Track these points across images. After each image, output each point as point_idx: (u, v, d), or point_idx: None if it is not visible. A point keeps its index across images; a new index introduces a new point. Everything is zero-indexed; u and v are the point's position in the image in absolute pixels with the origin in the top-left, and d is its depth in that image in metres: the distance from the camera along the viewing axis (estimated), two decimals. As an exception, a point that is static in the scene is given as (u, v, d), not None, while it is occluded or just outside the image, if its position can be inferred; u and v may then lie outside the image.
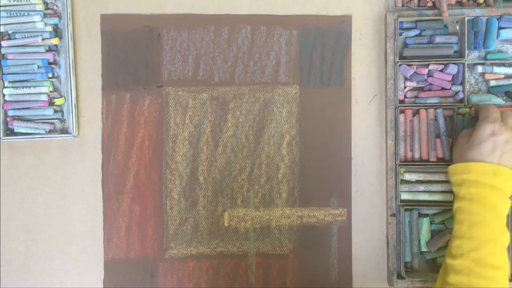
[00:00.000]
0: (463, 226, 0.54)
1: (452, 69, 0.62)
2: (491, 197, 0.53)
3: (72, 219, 0.65)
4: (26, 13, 0.62)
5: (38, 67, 0.63)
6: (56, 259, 0.65)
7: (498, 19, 0.62)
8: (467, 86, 0.63)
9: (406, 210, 0.64)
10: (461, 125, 0.63)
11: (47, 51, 0.63)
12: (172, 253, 0.65)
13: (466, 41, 0.62)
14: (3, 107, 0.63)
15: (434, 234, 0.64)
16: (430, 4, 0.63)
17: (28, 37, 0.63)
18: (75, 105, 0.64)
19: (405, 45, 0.64)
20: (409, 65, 0.63)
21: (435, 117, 0.63)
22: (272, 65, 0.65)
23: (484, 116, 0.57)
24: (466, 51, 0.62)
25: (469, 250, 0.53)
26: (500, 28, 0.63)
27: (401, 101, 0.64)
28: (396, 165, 0.63)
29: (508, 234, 0.54)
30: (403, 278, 0.62)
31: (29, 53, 0.63)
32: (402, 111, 0.64)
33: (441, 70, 0.63)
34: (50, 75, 0.64)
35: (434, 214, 0.64)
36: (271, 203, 0.65)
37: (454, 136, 0.63)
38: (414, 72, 0.63)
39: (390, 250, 0.63)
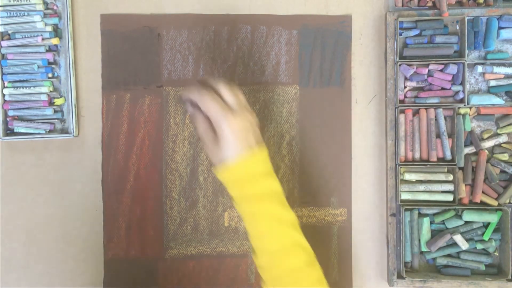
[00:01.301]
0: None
1: (452, 69, 0.62)
2: (252, 191, 0.51)
3: (72, 219, 0.65)
4: (26, 13, 0.62)
5: (38, 67, 0.63)
6: (56, 259, 0.65)
7: (498, 19, 0.62)
8: (467, 86, 0.63)
9: (406, 210, 0.64)
10: (461, 125, 0.63)
11: (47, 51, 0.63)
12: (172, 253, 0.65)
13: (466, 41, 0.62)
14: (3, 107, 0.63)
15: (434, 234, 0.64)
16: (430, 4, 0.63)
17: (28, 37, 0.62)
18: (75, 105, 0.64)
19: (405, 45, 0.64)
20: (409, 65, 0.63)
21: (435, 117, 0.63)
22: (272, 65, 0.65)
23: (213, 115, 0.50)
24: (466, 51, 0.62)
25: (258, 246, 0.52)
26: (500, 28, 0.63)
27: (401, 101, 0.64)
28: (396, 165, 0.63)
29: (286, 212, 0.52)
30: (403, 278, 0.62)
31: (29, 53, 0.63)
32: (402, 111, 0.64)
33: (441, 70, 0.63)
34: (50, 75, 0.64)
35: (434, 214, 0.64)
36: (271, 203, 0.65)
37: (454, 136, 0.63)
38: (414, 72, 0.63)
39: (390, 250, 0.63)
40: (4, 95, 0.63)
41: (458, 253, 0.64)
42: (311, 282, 0.51)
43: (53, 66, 0.64)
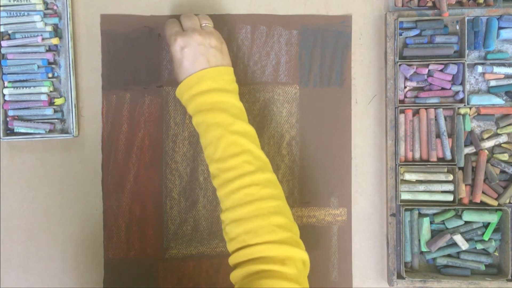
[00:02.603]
0: (201, 139, 0.55)
1: (452, 69, 0.62)
2: (204, 103, 0.53)
3: (72, 219, 0.65)
4: (26, 13, 0.62)
5: (38, 67, 0.63)
6: (56, 259, 0.65)
7: (498, 19, 0.62)
8: (467, 86, 0.63)
9: (406, 210, 0.64)
10: (461, 125, 0.63)
11: (47, 51, 0.63)
12: (172, 253, 0.65)
13: (466, 41, 0.62)
14: (3, 107, 0.63)
15: (434, 234, 0.64)
16: (430, 4, 0.63)
17: (28, 37, 0.62)
18: (75, 105, 0.64)
19: (405, 45, 0.64)
20: (409, 65, 0.63)
21: (435, 117, 0.63)
22: (272, 65, 0.65)
23: (168, 39, 0.57)
24: (466, 51, 0.62)
25: (209, 156, 0.53)
26: (500, 28, 0.63)
27: (401, 101, 0.64)
28: (396, 165, 0.63)
29: (239, 122, 0.53)
30: (403, 278, 0.62)
31: (29, 53, 0.63)
32: (402, 111, 0.64)
33: (441, 70, 0.63)
34: (50, 75, 0.64)
35: (434, 214, 0.64)
36: (271, 203, 0.65)
37: (454, 136, 0.63)
38: (414, 72, 0.63)
39: (390, 250, 0.63)
40: (4, 95, 0.63)
41: (458, 253, 0.64)
42: (260, 186, 0.51)
43: (53, 66, 0.64)
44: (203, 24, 0.57)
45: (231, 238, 0.51)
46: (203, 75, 0.54)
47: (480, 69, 0.63)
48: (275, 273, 0.48)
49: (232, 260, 0.51)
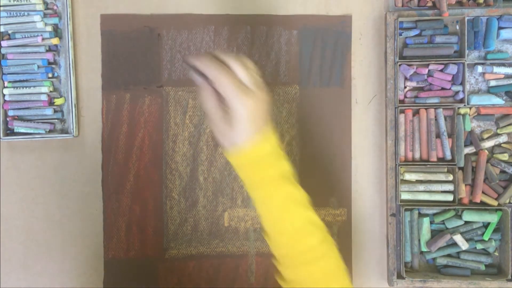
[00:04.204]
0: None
1: (452, 69, 0.62)
2: (255, 174, 0.49)
3: (72, 219, 0.65)
4: (26, 13, 0.62)
5: (38, 67, 0.63)
6: (56, 259, 0.65)
7: (498, 19, 0.62)
8: (467, 86, 0.63)
9: (406, 210, 0.64)
10: (461, 125, 0.63)
11: (47, 51, 0.63)
12: (172, 253, 0.65)
13: (466, 41, 0.62)
14: (3, 107, 0.63)
15: (434, 234, 0.64)
16: (430, 4, 0.63)
17: (28, 37, 0.62)
18: (75, 105, 0.64)
19: (405, 45, 0.64)
20: (409, 65, 0.63)
21: (435, 117, 0.63)
22: (272, 65, 0.65)
23: (226, 92, 0.46)
24: (466, 51, 0.62)
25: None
26: (500, 28, 0.63)
27: (401, 101, 0.64)
28: (396, 165, 0.63)
29: (289, 184, 0.50)
30: (403, 278, 0.62)
31: (29, 53, 0.63)
32: (402, 111, 0.64)
33: (441, 70, 0.63)
34: (50, 75, 0.64)
35: (434, 214, 0.64)
36: (271, 203, 0.65)
37: (454, 136, 0.63)
38: (414, 72, 0.63)
39: (390, 250, 0.63)
40: (4, 95, 0.63)
41: (458, 253, 0.64)
42: (326, 260, 0.51)
43: (53, 66, 0.64)
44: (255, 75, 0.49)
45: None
46: (264, 141, 0.48)
47: (480, 69, 0.63)
48: None
49: None
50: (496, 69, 0.62)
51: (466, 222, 0.63)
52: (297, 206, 0.50)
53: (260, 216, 0.51)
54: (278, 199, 0.50)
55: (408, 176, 0.63)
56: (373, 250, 0.65)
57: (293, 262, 0.51)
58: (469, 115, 0.64)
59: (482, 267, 0.63)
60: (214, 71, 0.46)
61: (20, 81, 0.63)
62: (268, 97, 0.49)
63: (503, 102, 0.63)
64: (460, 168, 0.64)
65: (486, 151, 0.63)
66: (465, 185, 0.63)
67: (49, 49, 0.63)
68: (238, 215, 0.65)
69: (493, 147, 0.64)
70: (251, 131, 0.47)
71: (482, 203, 0.63)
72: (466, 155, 0.64)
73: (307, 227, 0.51)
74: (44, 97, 0.63)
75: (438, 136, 0.64)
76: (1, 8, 0.62)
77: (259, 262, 0.65)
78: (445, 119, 0.64)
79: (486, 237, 0.63)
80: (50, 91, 0.63)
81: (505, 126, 0.64)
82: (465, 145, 0.64)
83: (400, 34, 0.64)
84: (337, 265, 0.51)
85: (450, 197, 0.62)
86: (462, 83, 0.62)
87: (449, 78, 0.63)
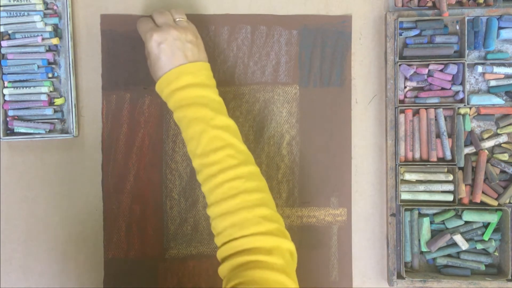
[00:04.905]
0: (183, 133, 0.55)
1: (452, 69, 0.62)
2: (185, 98, 0.53)
3: (72, 219, 0.65)
4: (26, 13, 0.62)
5: (38, 67, 0.63)
6: (56, 259, 0.65)
7: (498, 19, 0.62)
8: (467, 86, 0.63)
9: (406, 210, 0.64)
10: (461, 125, 0.63)
11: (47, 51, 0.63)
12: (172, 253, 0.65)
13: (466, 41, 0.62)
14: (3, 107, 0.63)
15: (434, 234, 0.64)
16: (430, 4, 0.63)
17: (28, 37, 0.62)
18: (75, 105, 0.63)
19: (405, 45, 0.64)
20: (409, 65, 0.63)
21: (435, 117, 0.63)
22: (272, 65, 0.65)
23: (143, 36, 0.57)
24: (466, 51, 0.62)
25: (192, 151, 0.53)
26: (500, 28, 0.63)
27: (401, 101, 0.64)
28: (396, 165, 0.63)
29: (220, 117, 0.53)
30: (403, 278, 0.62)
31: (29, 53, 0.63)
32: (402, 111, 0.64)
33: (441, 70, 0.63)
34: (50, 75, 0.64)
35: (434, 214, 0.64)
36: (271, 203, 0.65)
37: (454, 136, 0.63)
38: (414, 72, 0.63)
39: (390, 250, 0.63)
40: (4, 95, 0.63)
41: (458, 253, 0.64)
42: (244, 179, 0.51)
43: (53, 66, 0.64)
44: (177, 19, 0.57)
45: (218, 233, 0.51)
46: (182, 70, 0.54)
47: (480, 69, 0.63)
48: (262, 264, 0.47)
49: (220, 254, 0.51)
50: (496, 69, 0.62)
51: (466, 222, 0.63)
52: (214, 129, 0.52)
53: (185, 143, 0.55)
54: (193, 121, 0.53)
55: (408, 176, 0.63)
56: (373, 250, 0.65)
57: (208, 183, 0.52)
58: (469, 115, 0.64)
59: (482, 267, 0.63)
60: (137, 23, 0.58)
61: (20, 81, 0.63)
62: (187, 34, 0.55)
63: (503, 102, 0.63)
64: (460, 168, 0.64)
65: (486, 151, 0.63)
66: (465, 185, 0.63)
67: (49, 49, 0.63)
68: (238, 215, 0.65)
69: (493, 147, 0.64)
70: (166, 62, 0.54)
71: (482, 203, 0.63)
72: (466, 155, 0.64)
73: (224, 149, 0.52)
74: (44, 97, 0.63)
75: (438, 136, 0.64)
76: (1, 8, 0.62)
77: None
78: (445, 119, 0.64)
79: (486, 237, 0.63)
80: (50, 91, 0.63)
81: (505, 126, 0.64)
82: (465, 145, 0.64)
83: (400, 34, 0.64)
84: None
85: (450, 197, 0.62)
86: (462, 83, 0.62)
87: (449, 78, 0.63)
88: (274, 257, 0.48)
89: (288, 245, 0.50)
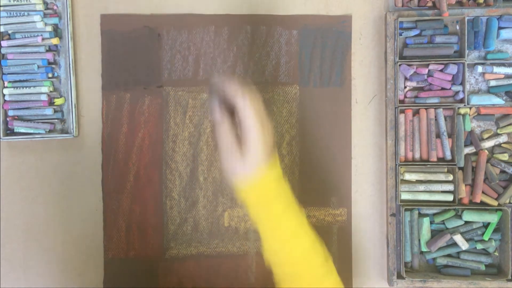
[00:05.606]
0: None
1: (452, 69, 0.62)
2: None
3: (72, 219, 0.65)
4: (26, 13, 0.62)
5: (38, 67, 0.63)
6: (56, 259, 0.65)
7: (498, 19, 0.62)
8: (467, 86, 0.63)
9: (406, 210, 0.64)
10: (461, 125, 0.63)
11: (47, 51, 0.63)
12: (172, 253, 0.65)
13: (466, 41, 0.62)
14: (3, 107, 0.63)
15: (434, 234, 0.64)
16: (430, 4, 0.63)
17: (28, 37, 0.63)
18: (75, 105, 0.64)
19: (405, 45, 0.64)
20: (409, 65, 0.63)
21: (435, 117, 0.63)
22: (272, 65, 0.65)
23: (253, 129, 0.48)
24: (466, 51, 0.62)
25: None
26: (500, 28, 0.63)
27: (401, 101, 0.64)
28: (396, 165, 0.63)
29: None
30: (403, 278, 0.62)
31: (29, 53, 0.63)
32: (402, 111, 0.64)
33: (441, 70, 0.63)
34: (50, 75, 0.64)
35: (434, 214, 0.64)
36: (271, 203, 0.65)
37: (454, 136, 0.63)
38: (414, 72, 0.63)
39: (390, 250, 0.63)
40: (4, 95, 0.63)
41: (458, 253, 0.64)
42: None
43: (53, 66, 0.64)
44: None
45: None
46: (269, 173, 0.49)
47: (480, 69, 0.63)
48: None
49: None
50: (496, 69, 0.62)
51: (466, 222, 0.63)
52: (298, 239, 0.51)
53: (262, 242, 0.52)
54: (281, 236, 0.51)
55: (408, 176, 0.63)
56: (373, 250, 0.65)
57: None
58: (469, 115, 0.64)
59: (482, 267, 0.63)
60: (243, 101, 0.47)
61: (20, 81, 0.63)
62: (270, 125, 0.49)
63: (503, 102, 0.63)
64: (460, 168, 0.64)
65: (486, 151, 0.63)
66: (465, 185, 0.63)
67: (49, 49, 0.63)
68: (238, 215, 0.65)
69: (493, 147, 0.64)
70: (261, 161, 0.47)
71: (482, 203, 0.63)
72: (466, 155, 0.64)
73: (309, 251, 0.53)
74: (44, 97, 0.63)
75: (438, 136, 0.64)
76: (1, 8, 0.62)
77: (259, 262, 0.65)
78: (445, 119, 0.64)
79: (486, 237, 0.63)
80: (50, 91, 0.64)
81: (505, 126, 0.64)
82: (465, 145, 0.64)
83: (400, 34, 0.64)
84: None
85: (450, 197, 0.62)
86: (462, 83, 0.62)
87: (449, 78, 0.63)
88: None
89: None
